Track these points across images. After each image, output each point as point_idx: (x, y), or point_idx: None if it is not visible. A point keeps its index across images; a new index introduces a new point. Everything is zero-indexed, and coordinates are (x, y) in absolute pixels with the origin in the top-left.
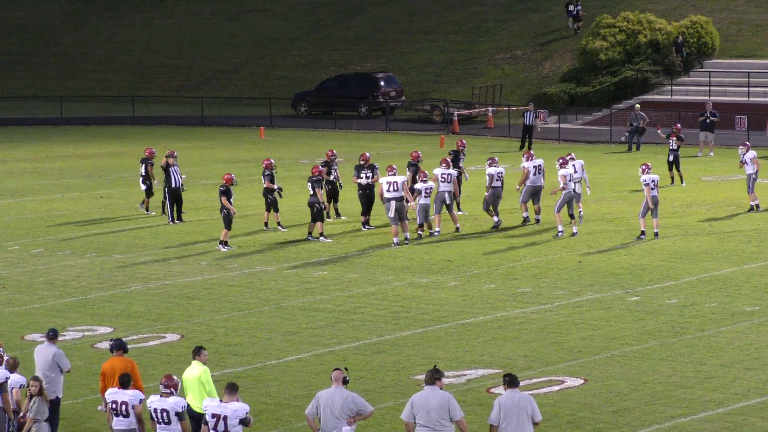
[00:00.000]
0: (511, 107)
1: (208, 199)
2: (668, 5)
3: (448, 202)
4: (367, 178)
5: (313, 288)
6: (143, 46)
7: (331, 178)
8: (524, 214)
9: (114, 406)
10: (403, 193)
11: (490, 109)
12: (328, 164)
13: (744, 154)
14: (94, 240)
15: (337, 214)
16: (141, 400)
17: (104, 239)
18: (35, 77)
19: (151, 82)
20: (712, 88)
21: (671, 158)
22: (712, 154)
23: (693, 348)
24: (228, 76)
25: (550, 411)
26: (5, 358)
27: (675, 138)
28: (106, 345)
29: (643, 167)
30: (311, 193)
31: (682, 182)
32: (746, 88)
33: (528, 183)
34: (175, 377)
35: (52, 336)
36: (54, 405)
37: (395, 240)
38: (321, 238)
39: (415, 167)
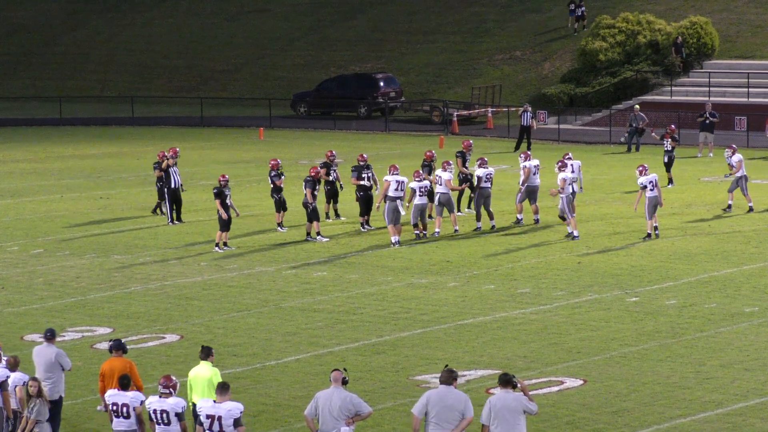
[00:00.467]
0: (511, 108)
1: (207, 200)
2: (668, 6)
3: (438, 204)
4: (368, 179)
5: (313, 289)
6: (143, 46)
7: (331, 178)
8: (519, 216)
9: (114, 407)
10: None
11: (490, 109)
12: (328, 165)
13: (730, 157)
14: (93, 240)
15: (337, 215)
16: (141, 402)
17: (103, 240)
18: (35, 77)
19: (150, 83)
20: (711, 88)
21: (666, 159)
22: (711, 154)
23: (692, 349)
24: (227, 77)
25: (549, 412)
26: (5, 357)
27: (669, 139)
28: (105, 345)
29: (640, 168)
30: (305, 193)
31: (671, 183)
32: (746, 89)
33: (527, 183)
34: (173, 378)
35: (50, 336)
36: (56, 405)
37: (393, 239)
38: (318, 237)
39: (428, 167)
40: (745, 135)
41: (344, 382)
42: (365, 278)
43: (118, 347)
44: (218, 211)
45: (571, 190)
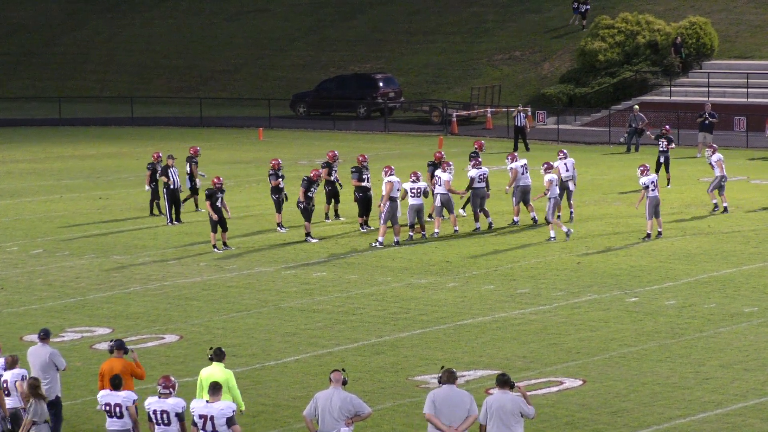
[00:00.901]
0: (510, 108)
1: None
2: (667, 6)
3: (438, 204)
4: (368, 180)
5: (312, 289)
6: (143, 46)
7: (332, 179)
8: (515, 218)
9: (107, 408)
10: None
11: (489, 110)
12: (329, 165)
13: (710, 157)
14: (92, 241)
15: (337, 215)
16: (134, 401)
17: (103, 240)
18: (35, 77)
19: (150, 83)
20: (710, 89)
21: (662, 159)
22: None
23: (692, 349)
24: (227, 77)
25: (548, 412)
26: (2, 357)
27: (664, 139)
28: (104, 346)
29: (641, 168)
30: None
31: (668, 184)
32: (745, 89)
33: (520, 183)
34: (172, 378)
35: (44, 336)
36: (55, 404)
37: (380, 239)
38: (307, 237)
39: (434, 167)
40: (745, 135)
41: (344, 383)
42: (365, 278)
43: (118, 347)
44: (209, 212)
45: (557, 192)
